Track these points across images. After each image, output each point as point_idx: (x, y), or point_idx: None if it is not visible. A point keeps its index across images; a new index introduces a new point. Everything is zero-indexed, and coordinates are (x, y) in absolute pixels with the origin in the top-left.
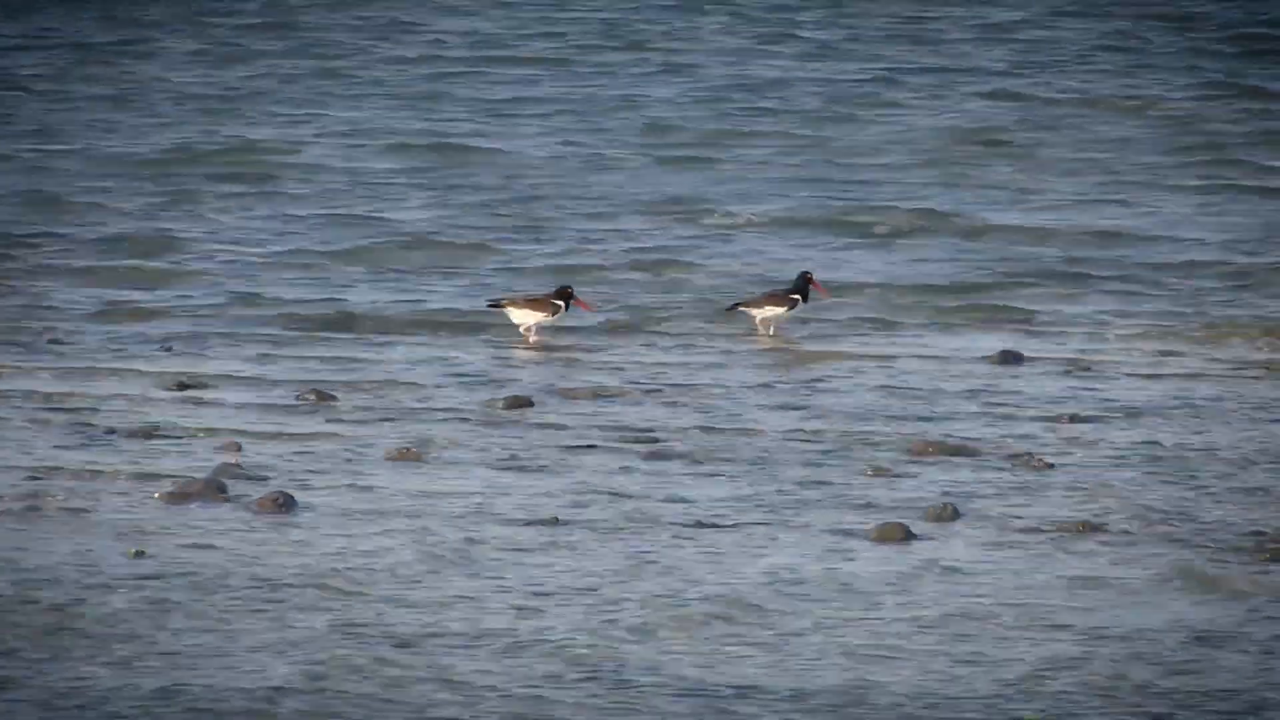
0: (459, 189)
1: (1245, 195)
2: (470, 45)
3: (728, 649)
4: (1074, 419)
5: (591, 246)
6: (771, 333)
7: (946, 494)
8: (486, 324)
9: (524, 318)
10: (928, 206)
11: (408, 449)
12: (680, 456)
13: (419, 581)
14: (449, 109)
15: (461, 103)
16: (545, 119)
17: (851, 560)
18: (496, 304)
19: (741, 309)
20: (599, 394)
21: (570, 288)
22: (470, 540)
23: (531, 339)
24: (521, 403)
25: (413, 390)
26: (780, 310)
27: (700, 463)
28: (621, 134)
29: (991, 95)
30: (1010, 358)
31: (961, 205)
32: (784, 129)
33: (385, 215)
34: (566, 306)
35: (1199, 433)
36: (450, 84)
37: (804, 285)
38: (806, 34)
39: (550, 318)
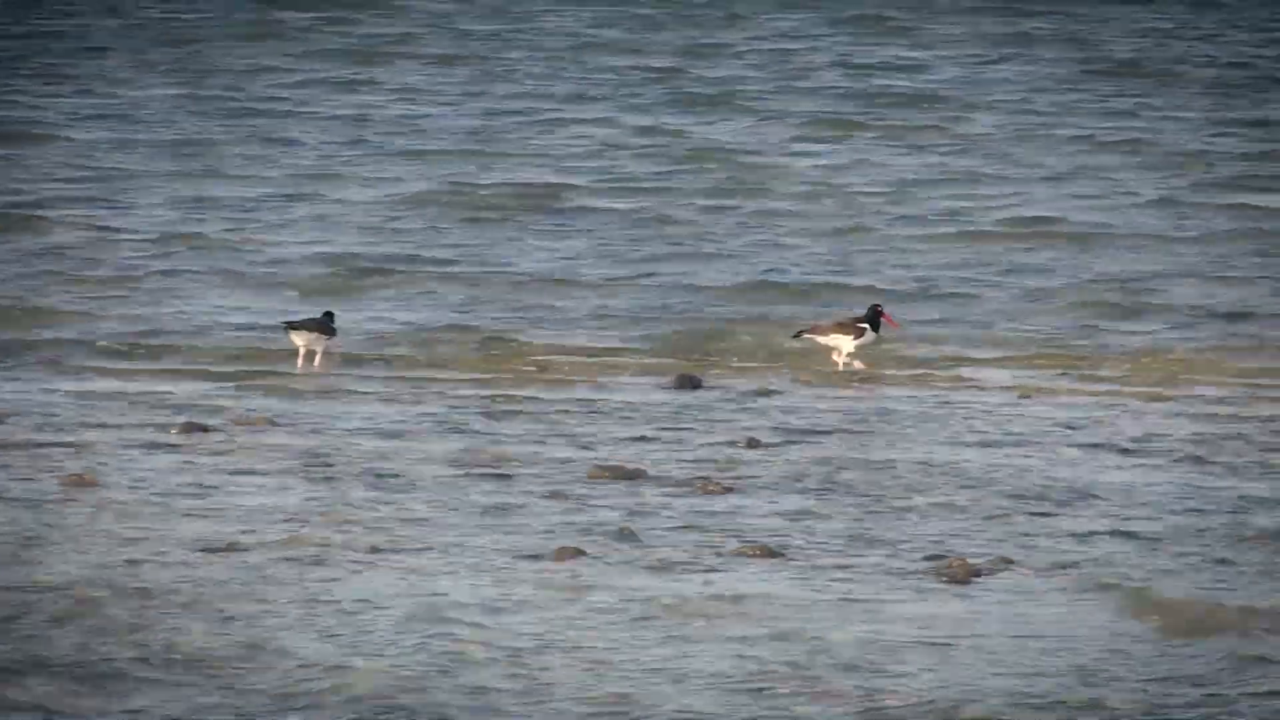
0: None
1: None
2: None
3: (406, 672)
4: (752, 443)
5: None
6: (843, 365)
7: (623, 518)
8: (162, 348)
9: (833, 343)
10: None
11: (81, 475)
12: (359, 481)
13: (100, 608)
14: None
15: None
16: None
17: (527, 584)
18: (802, 334)
19: (808, 336)
20: (276, 421)
21: (880, 305)
22: (143, 566)
23: (841, 365)
24: (197, 428)
25: (93, 416)
26: (848, 339)
27: (379, 489)
28: None
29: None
30: (688, 382)
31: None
32: None
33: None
34: (875, 326)
35: (878, 454)
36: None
37: (874, 317)
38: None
39: (858, 340)
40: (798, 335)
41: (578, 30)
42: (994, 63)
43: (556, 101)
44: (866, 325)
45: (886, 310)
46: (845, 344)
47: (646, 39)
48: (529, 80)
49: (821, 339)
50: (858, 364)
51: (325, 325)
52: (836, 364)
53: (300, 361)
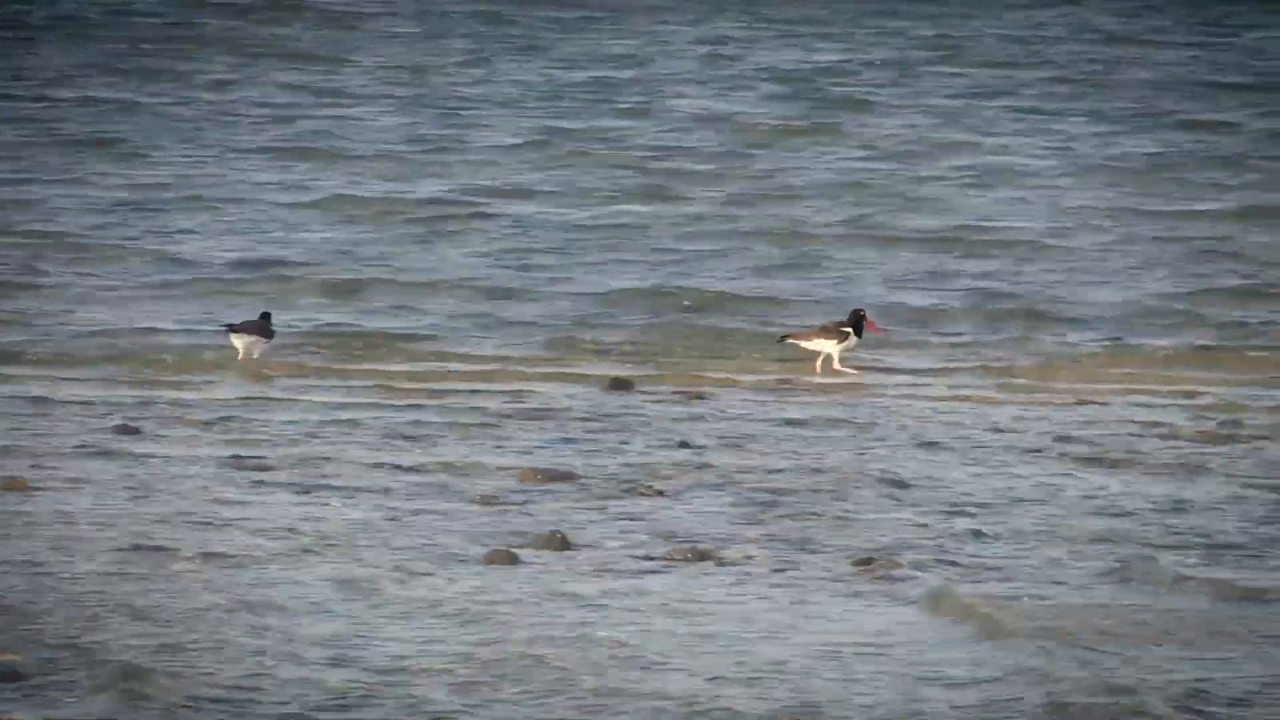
0: None
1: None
2: None
3: (336, 676)
4: (684, 445)
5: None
6: (822, 369)
7: (555, 522)
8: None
9: (816, 347)
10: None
11: (14, 479)
12: (286, 484)
13: (30, 611)
14: None
15: None
16: None
17: (456, 587)
18: (785, 339)
19: (791, 340)
20: (207, 424)
21: (863, 310)
22: (74, 569)
23: (819, 368)
24: (130, 430)
25: (24, 421)
26: (831, 344)
27: (308, 491)
28: None
29: None
30: (620, 385)
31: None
32: None
33: None
34: (859, 331)
35: (808, 458)
36: None
37: (857, 321)
38: None
39: (841, 344)
40: (782, 339)
41: (508, 35)
42: (924, 65)
43: (483, 105)
44: (850, 330)
45: (870, 315)
46: (829, 348)
47: (573, 41)
48: (458, 84)
49: (805, 343)
50: (836, 366)
51: (264, 327)
52: (817, 368)
53: (240, 358)
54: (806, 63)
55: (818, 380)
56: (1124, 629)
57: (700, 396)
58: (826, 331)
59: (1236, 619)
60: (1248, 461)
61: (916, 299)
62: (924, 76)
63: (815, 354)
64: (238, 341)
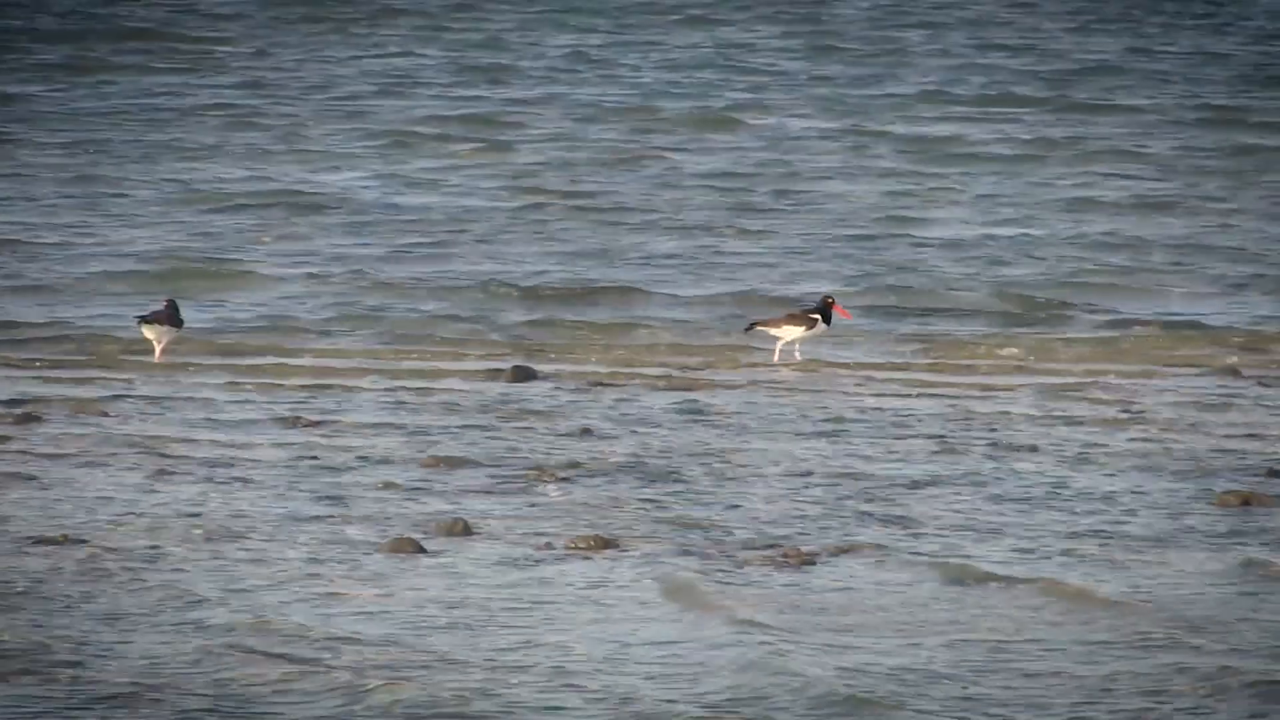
0: None
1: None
2: None
3: (226, 665)
4: (587, 433)
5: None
6: (793, 355)
7: (458, 508)
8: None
9: (785, 334)
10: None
11: None
12: (194, 473)
13: None
14: None
15: None
16: None
17: (358, 574)
18: (754, 326)
19: (760, 328)
20: (111, 413)
21: (831, 298)
22: None
23: (778, 356)
24: (31, 418)
25: None
26: (800, 331)
27: (214, 481)
28: None
29: None
30: (523, 374)
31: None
32: None
33: None
34: (827, 319)
35: (714, 445)
36: None
37: (825, 308)
38: None
39: (809, 331)
40: (750, 328)
41: (397, 21)
42: (817, 54)
43: (362, 94)
44: (818, 317)
45: (838, 302)
46: (798, 336)
47: (461, 31)
48: (335, 71)
49: (773, 330)
50: (796, 354)
51: (174, 317)
52: (784, 355)
53: (158, 354)
54: (699, 50)
55: (719, 372)
56: (864, 616)
57: (603, 385)
58: (795, 319)
59: (987, 605)
60: (1133, 451)
61: (813, 288)
62: (818, 64)
63: (783, 340)
64: (150, 332)
